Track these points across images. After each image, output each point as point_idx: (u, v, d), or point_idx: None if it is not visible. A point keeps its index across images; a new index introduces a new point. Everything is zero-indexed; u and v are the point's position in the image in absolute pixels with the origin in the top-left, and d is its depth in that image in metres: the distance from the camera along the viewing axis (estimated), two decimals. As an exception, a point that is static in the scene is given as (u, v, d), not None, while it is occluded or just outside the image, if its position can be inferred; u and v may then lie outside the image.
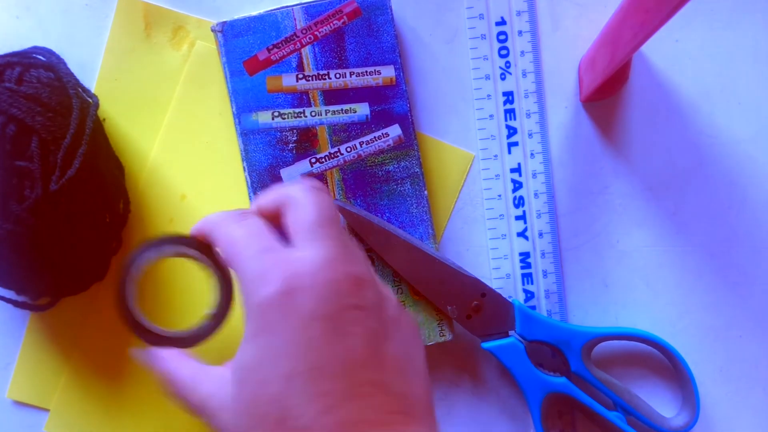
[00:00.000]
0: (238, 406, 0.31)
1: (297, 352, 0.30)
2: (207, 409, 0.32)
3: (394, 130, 0.44)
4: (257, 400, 0.30)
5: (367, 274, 0.32)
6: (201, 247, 0.37)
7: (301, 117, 0.44)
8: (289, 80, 0.44)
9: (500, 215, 0.46)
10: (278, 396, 0.29)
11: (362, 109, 0.44)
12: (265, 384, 0.30)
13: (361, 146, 0.44)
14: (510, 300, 0.44)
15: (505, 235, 0.46)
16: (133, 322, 0.37)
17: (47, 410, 0.45)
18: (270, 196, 0.35)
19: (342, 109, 0.44)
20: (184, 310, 0.45)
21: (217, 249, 0.35)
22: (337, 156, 0.44)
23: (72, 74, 0.41)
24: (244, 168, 0.44)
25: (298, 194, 0.34)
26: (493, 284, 0.46)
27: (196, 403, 0.33)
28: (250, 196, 0.44)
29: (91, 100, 0.42)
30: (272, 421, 0.29)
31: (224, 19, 0.44)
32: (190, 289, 0.45)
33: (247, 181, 0.44)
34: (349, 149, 0.44)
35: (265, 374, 0.30)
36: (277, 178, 0.44)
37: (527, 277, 0.46)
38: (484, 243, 0.46)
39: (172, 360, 0.35)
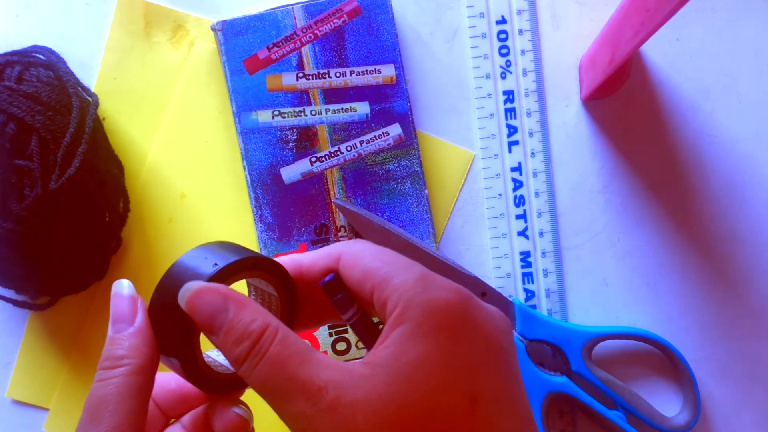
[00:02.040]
0: (381, 405, 0.26)
1: (483, 371, 0.27)
2: (323, 400, 0.26)
3: (395, 129, 0.44)
4: (431, 411, 0.26)
5: None
6: (272, 268, 0.31)
7: (301, 116, 0.44)
8: (289, 79, 0.44)
9: (501, 214, 0.46)
10: (461, 412, 0.26)
11: (362, 108, 0.44)
12: (443, 393, 0.26)
13: (361, 145, 0.44)
14: (510, 299, 0.44)
15: (506, 234, 0.46)
16: (203, 378, 0.29)
17: (47, 409, 0.45)
18: None
19: (342, 108, 0.44)
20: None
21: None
22: (338, 155, 0.44)
23: (72, 73, 0.41)
24: (244, 167, 0.44)
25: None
26: (494, 283, 0.46)
27: (306, 389, 0.26)
28: (250, 196, 0.44)
29: (90, 99, 0.42)
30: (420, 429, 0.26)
31: (224, 18, 0.44)
32: None
33: (247, 180, 0.44)
34: (349, 148, 0.44)
35: (447, 383, 0.26)
36: (277, 177, 0.44)
37: (528, 276, 0.46)
38: (484, 242, 0.46)
39: (286, 331, 0.29)
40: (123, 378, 0.28)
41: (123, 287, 0.30)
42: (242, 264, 0.29)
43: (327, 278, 0.31)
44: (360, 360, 0.27)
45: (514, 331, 0.32)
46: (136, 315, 0.29)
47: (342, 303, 0.31)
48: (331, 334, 0.44)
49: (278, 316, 0.31)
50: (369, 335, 0.31)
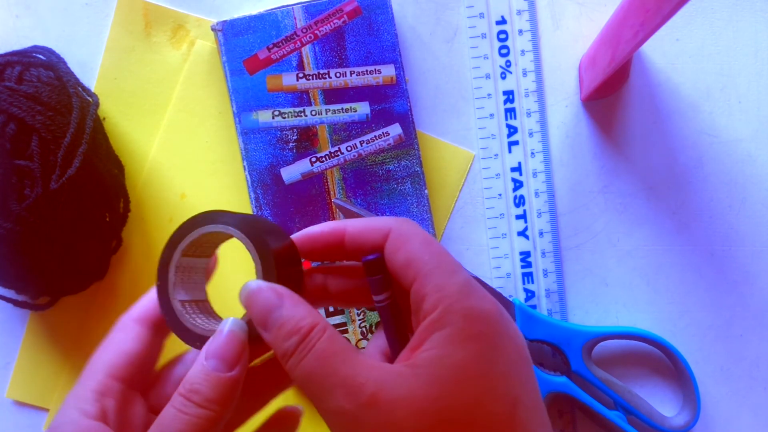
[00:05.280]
0: (423, 405, 0.27)
1: (521, 378, 0.28)
2: (363, 396, 0.27)
3: (395, 129, 0.44)
4: (459, 405, 0.27)
5: None
6: (242, 226, 0.31)
7: (301, 116, 0.44)
8: (289, 79, 0.44)
9: (500, 214, 0.46)
10: (503, 412, 0.27)
11: (362, 108, 0.44)
12: (486, 396, 0.27)
13: (361, 145, 0.44)
14: (510, 299, 0.44)
15: (506, 234, 0.46)
16: (178, 325, 0.31)
17: (47, 410, 0.45)
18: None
19: (342, 108, 0.44)
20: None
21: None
22: (338, 155, 0.44)
23: (72, 73, 0.41)
24: (244, 167, 0.44)
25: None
26: (494, 283, 0.46)
27: (346, 384, 0.27)
28: (250, 196, 0.44)
29: (91, 99, 0.42)
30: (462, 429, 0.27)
31: (224, 18, 0.44)
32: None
33: (247, 180, 0.44)
34: (349, 148, 0.44)
35: (488, 386, 0.27)
36: (278, 177, 0.44)
37: (528, 276, 0.46)
38: (484, 242, 0.46)
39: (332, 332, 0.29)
40: (202, 422, 0.28)
41: (242, 326, 0.30)
42: (212, 217, 0.31)
43: (372, 256, 0.30)
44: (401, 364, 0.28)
45: None
46: (239, 362, 0.29)
47: (378, 284, 0.31)
48: (331, 334, 0.44)
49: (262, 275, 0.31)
50: (393, 322, 0.31)
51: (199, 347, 0.29)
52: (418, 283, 0.29)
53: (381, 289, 0.30)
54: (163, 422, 0.27)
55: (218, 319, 0.32)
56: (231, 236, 0.31)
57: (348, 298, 0.33)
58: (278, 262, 0.30)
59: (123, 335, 0.31)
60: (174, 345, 0.32)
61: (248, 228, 0.31)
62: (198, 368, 0.28)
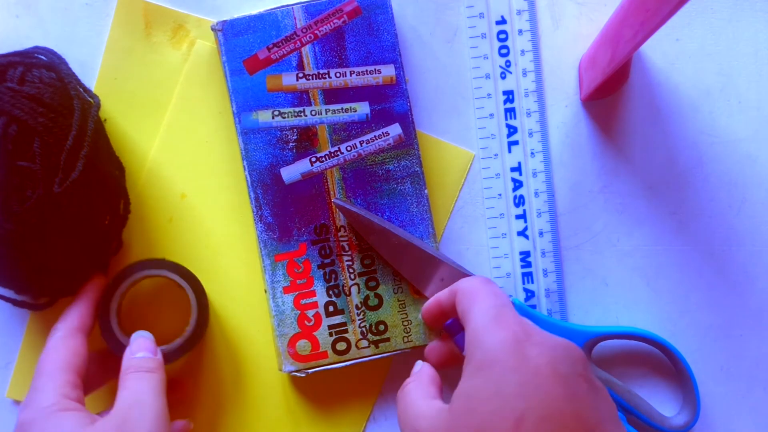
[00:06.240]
0: None
1: (531, 396, 0.31)
2: (415, 427, 0.35)
3: (395, 129, 0.44)
4: (472, 429, 0.31)
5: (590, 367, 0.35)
6: (179, 270, 0.42)
7: (301, 116, 0.44)
8: (289, 79, 0.44)
9: (500, 214, 0.46)
10: (498, 430, 0.31)
11: (362, 108, 0.44)
12: (492, 417, 0.31)
13: (361, 145, 0.44)
14: (510, 299, 0.44)
15: (506, 234, 0.46)
16: (113, 340, 0.42)
17: (47, 409, 0.45)
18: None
19: (342, 108, 0.44)
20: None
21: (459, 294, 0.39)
22: (338, 155, 0.44)
23: (73, 74, 0.41)
24: (244, 167, 0.44)
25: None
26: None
27: (409, 419, 0.36)
28: (250, 196, 0.44)
29: (92, 101, 0.42)
30: None
31: (224, 18, 0.44)
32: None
33: (247, 180, 0.44)
34: (349, 148, 0.44)
35: (493, 408, 0.31)
36: (278, 177, 0.44)
37: (527, 276, 0.46)
38: (484, 242, 0.46)
39: (416, 379, 0.39)
40: (157, 380, 0.38)
41: (148, 334, 0.41)
42: (152, 263, 0.42)
43: (448, 322, 0.41)
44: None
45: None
46: (157, 351, 0.41)
47: (461, 340, 0.40)
48: (331, 334, 0.44)
49: (196, 315, 0.42)
50: None
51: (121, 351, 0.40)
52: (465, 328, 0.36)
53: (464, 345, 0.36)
54: (130, 387, 0.37)
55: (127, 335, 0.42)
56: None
57: (446, 363, 0.43)
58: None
59: (73, 341, 0.39)
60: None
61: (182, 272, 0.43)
62: (137, 358, 0.39)
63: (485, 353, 0.33)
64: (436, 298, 0.42)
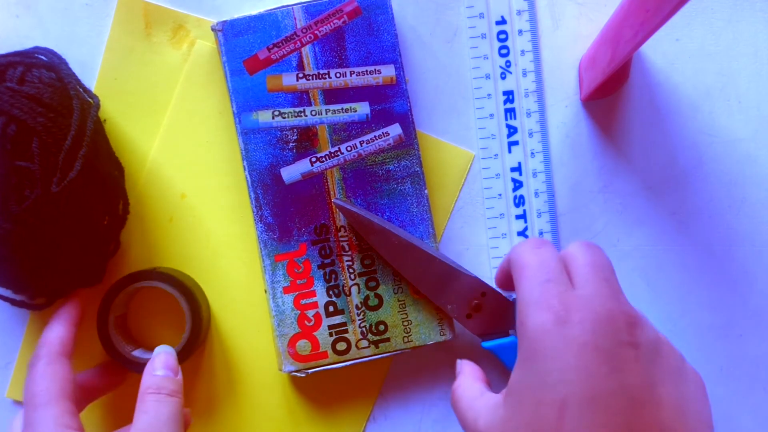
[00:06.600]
0: (506, 428, 0.33)
1: (573, 379, 0.31)
2: (476, 427, 0.35)
3: (395, 129, 0.44)
4: (529, 423, 0.32)
5: (642, 317, 0.34)
6: (171, 281, 0.42)
7: (301, 116, 0.44)
8: (289, 79, 0.44)
9: (500, 214, 0.46)
10: (551, 420, 0.31)
11: (362, 108, 0.44)
12: (538, 407, 0.31)
13: (361, 145, 0.44)
14: (510, 299, 0.44)
15: (506, 234, 0.46)
16: (112, 350, 0.43)
17: (47, 410, 0.45)
18: (553, 253, 0.37)
19: (342, 108, 0.44)
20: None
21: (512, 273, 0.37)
22: (338, 155, 0.44)
23: (73, 74, 0.41)
24: (244, 167, 0.44)
25: (577, 249, 0.36)
26: (494, 283, 0.46)
27: (468, 422, 0.36)
28: (250, 196, 0.44)
29: (92, 101, 0.42)
30: None
31: (224, 18, 0.44)
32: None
33: (247, 180, 0.44)
34: (349, 148, 0.44)
35: (539, 398, 0.31)
36: (278, 177, 0.44)
37: (527, 277, 0.46)
38: (484, 242, 0.46)
39: (463, 381, 0.40)
40: (175, 405, 0.38)
41: (171, 350, 0.41)
42: (145, 275, 0.43)
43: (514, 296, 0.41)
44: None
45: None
46: (179, 369, 0.41)
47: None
48: (331, 334, 0.44)
49: (190, 323, 0.43)
50: None
51: (140, 370, 0.40)
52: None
53: None
54: (150, 411, 0.37)
55: (140, 348, 0.44)
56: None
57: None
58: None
59: (60, 367, 0.39)
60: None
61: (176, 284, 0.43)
62: (158, 376, 0.39)
63: (529, 342, 0.33)
64: (500, 265, 0.41)
